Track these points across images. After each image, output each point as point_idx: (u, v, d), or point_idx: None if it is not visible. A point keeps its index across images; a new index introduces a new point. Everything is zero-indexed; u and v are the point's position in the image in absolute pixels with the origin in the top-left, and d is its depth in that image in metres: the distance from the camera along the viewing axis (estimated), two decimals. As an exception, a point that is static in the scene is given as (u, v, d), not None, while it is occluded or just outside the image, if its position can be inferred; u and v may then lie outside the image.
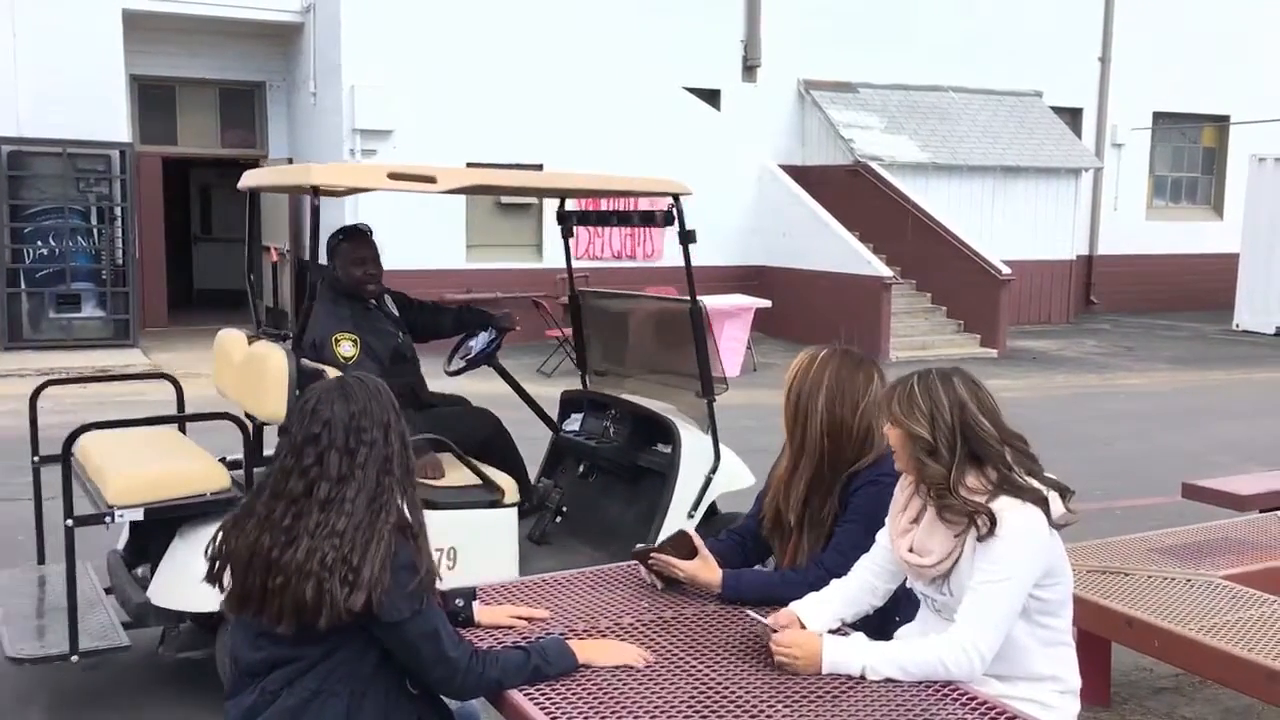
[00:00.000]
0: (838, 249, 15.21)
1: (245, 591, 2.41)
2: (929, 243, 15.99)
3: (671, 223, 4.71)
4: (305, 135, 15.93)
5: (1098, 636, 4.03)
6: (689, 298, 4.82)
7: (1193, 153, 21.73)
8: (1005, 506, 2.53)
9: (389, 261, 5.18)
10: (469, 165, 11.92)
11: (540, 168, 13.60)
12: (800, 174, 16.64)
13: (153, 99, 16.02)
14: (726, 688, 2.46)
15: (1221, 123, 21.34)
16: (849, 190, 16.51)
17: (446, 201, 13.42)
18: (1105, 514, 7.03)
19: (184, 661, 4.07)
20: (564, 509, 5.15)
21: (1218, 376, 13.68)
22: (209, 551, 2.51)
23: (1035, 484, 2.59)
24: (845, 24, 17.66)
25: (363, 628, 2.40)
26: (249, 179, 5.02)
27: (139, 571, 4.32)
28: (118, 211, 14.03)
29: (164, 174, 16.03)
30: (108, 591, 4.42)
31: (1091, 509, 7.18)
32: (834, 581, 2.84)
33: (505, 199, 14.69)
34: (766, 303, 13.42)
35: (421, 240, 13.72)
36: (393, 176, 4.23)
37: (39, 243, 13.66)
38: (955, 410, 2.57)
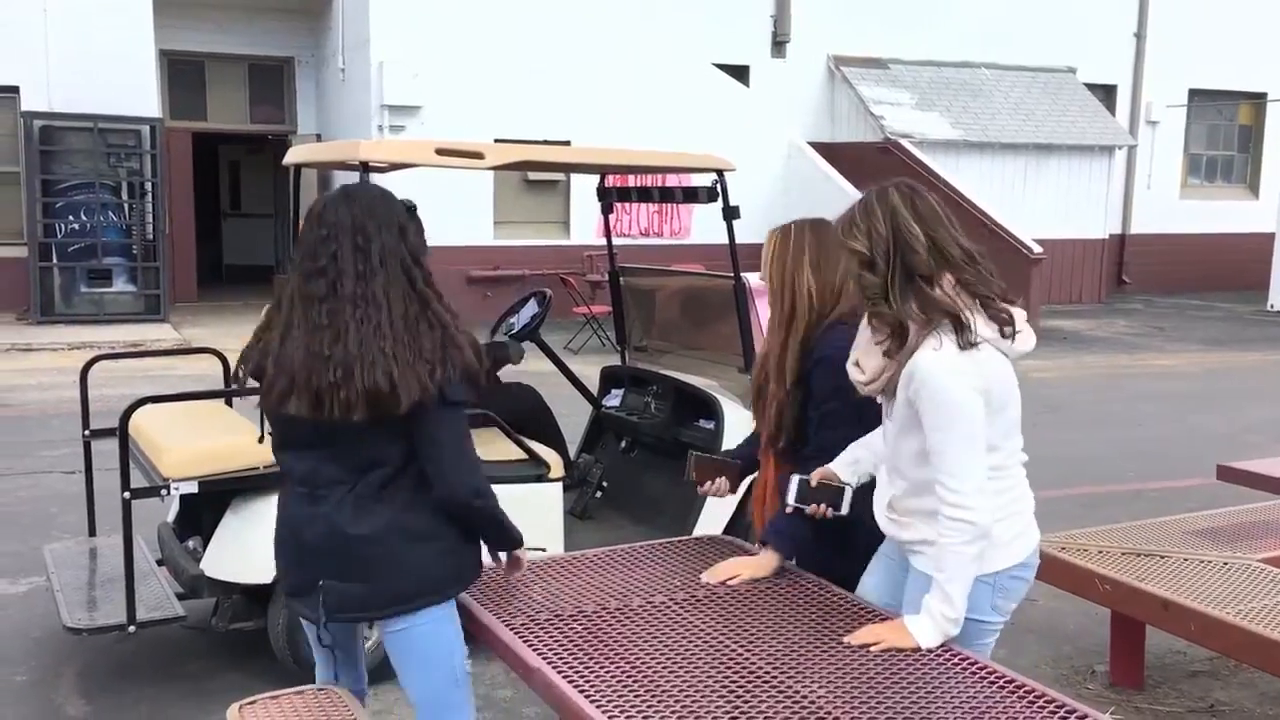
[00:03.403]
0: (867, 227, 15.07)
1: (304, 390, 2.46)
2: (960, 221, 15.57)
3: (715, 199, 4.68)
4: (334, 111, 15.94)
5: (1133, 619, 4.00)
6: (731, 274, 4.80)
7: (1229, 131, 21.42)
8: (924, 359, 2.47)
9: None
10: (496, 141, 11.89)
11: (568, 144, 13.55)
12: (830, 151, 16.53)
13: (182, 74, 16.08)
14: (759, 666, 2.44)
15: (1258, 100, 21.02)
16: (879, 168, 16.34)
17: (474, 178, 13.43)
18: (1139, 496, 6.98)
19: (233, 632, 4.10)
20: (605, 484, 5.16)
21: (1252, 358, 13.52)
22: (243, 371, 2.61)
23: (961, 301, 2.50)
24: (876, -1, 17.51)
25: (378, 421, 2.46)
26: (295, 155, 5.00)
27: (190, 544, 4.35)
28: (148, 187, 14.11)
29: (194, 149, 16.10)
30: (159, 563, 4.46)
31: (1124, 491, 7.13)
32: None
33: (533, 175, 14.66)
34: (795, 280, 13.32)
35: (449, 217, 13.71)
36: (440, 152, 4.23)
37: (70, 217, 13.75)
38: (888, 217, 2.56)
